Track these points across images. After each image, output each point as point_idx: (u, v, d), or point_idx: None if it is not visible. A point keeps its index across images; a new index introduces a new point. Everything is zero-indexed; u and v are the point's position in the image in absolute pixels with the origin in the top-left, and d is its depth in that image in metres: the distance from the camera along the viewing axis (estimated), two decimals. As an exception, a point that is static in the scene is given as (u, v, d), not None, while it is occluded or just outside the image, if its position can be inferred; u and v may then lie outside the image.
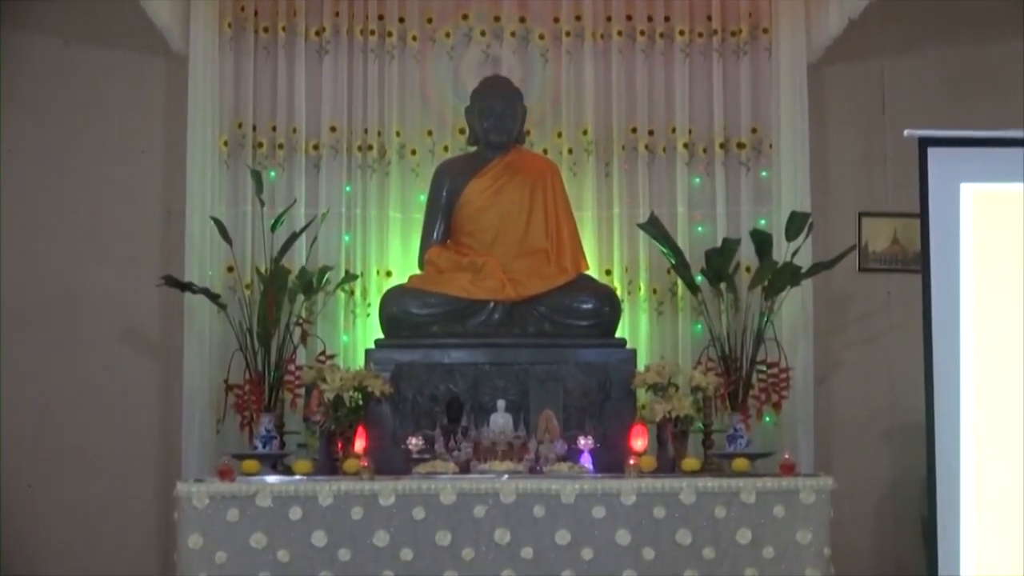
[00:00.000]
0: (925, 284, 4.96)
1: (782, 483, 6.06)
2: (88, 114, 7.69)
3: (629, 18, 7.78)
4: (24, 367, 7.47)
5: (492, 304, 6.99)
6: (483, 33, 7.83)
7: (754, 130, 7.73)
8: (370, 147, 7.65)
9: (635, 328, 7.55)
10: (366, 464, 6.05)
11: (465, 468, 6.25)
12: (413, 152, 7.71)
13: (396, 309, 6.99)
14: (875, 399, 7.71)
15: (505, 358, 6.82)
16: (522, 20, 7.83)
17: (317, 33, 7.68)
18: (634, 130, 7.72)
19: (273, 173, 7.58)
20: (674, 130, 7.71)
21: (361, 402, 6.61)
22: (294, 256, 7.32)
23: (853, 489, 6.87)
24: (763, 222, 7.56)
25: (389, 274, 7.59)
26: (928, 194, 4.97)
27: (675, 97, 7.74)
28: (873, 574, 7.58)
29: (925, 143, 5.00)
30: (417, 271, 7.33)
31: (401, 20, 7.76)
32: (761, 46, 7.77)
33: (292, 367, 7.06)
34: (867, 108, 7.89)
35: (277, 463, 6.77)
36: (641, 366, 6.95)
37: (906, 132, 5.04)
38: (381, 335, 7.05)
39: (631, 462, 6.11)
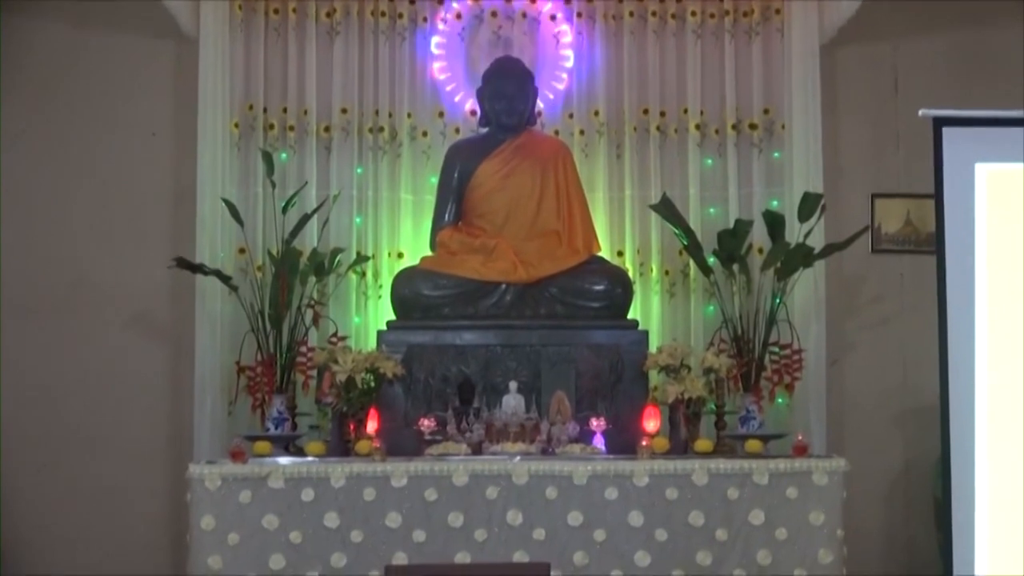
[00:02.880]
0: (940, 265, 4.93)
1: (795, 464, 6.07)
2: (98, 97, 7.68)
3: (641, -1, 7.78)
4: (35, 350, 7.48)
5: (504, 286, 6.99)
6: (494, 14, 7.80)
7: (766, 111, 7.71)
8: (381, 129, 7.64)
9: (647, 309, 7.54)
10: (378, 446, 6.06)
11: (477, 450, 6.26)
12: (424, 134, 7.71)
13: (408, 291, 6.99)
14: (887, 381, 7.70)
15: (517, 340, 6.82)
16: (533, 1, 7.80)
17: (328, 15, 7.67)
18: (646, 111, 7.70)
19: (284, 155, 7.57)
20: (686, 111, 7.69)
21: (373, 384, 6.59)
22: (305, 238, 7.31)
23: (865, 471, 6.86)
24: (775, 203, 7.54)
25: (401, 256, 7.58)
26: (943, 174, 4.94)
27: (687, 78, 7.72)
28: (884, 555, 7.59)
29: (940, 123, 4.97)
30: (429, 253, 7.32)
31: (411, 1, 7.74)
32: (773, 27, 7.74)
33: (304, 349, 7.05)
34: (879, 89, 7.87)
35: (289, 445, 6.79)
36: (653, 348, 6.95)
37: (921, 112, 5.01)
38: (393, 317, 7.05)
39: (643, 443, 6.11)
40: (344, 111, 7.61)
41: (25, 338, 7.48)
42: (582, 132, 7.71)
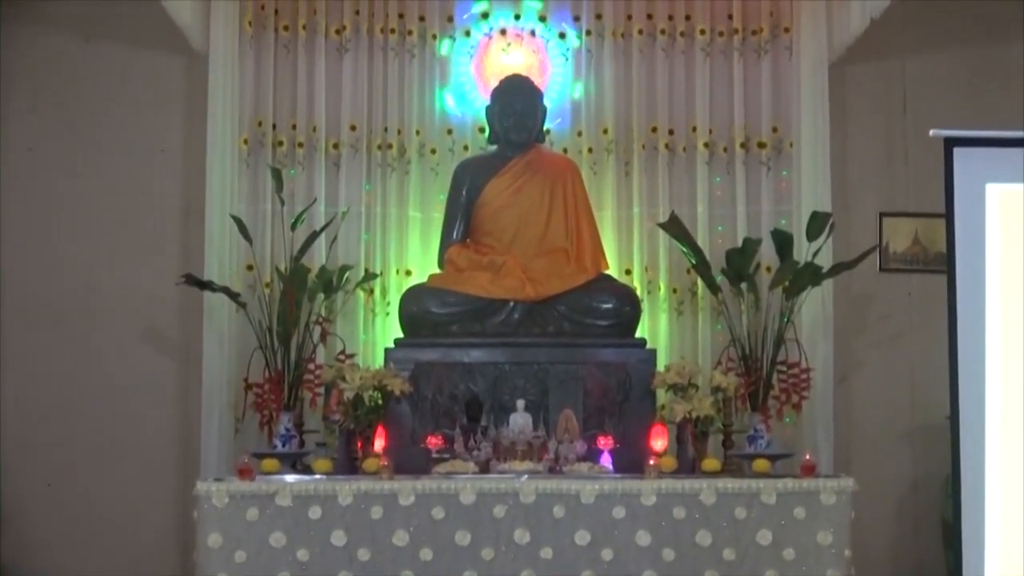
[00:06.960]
0: (951, 285, 4.92)
1: (803, 484, 6.04)
2: (108, 112, 7.71)
3: (650, 17, 7.77)
4: (43, 364, 7.50)
5: (512, 303, 6.99)
6: (503, 32, 7.81)
7: (775, 129, 7.71)
8: (390, 146, 7.65)
9: (655, 328, 7.54)
10: (386, 463, 6.04)
11: (485, 468, 6.23)
12: (433, 151, 7.71)
13: (416, 308, 6.98)
14: (895, 400, 7.69)
15: (525, 357, 6.81)
16: (542, 19, 7.81)
17: (337, 32, 7.68)
18: (654, 129, 7.71)
19: (293, 172, 7.58)
20: (695, 129, 7.70)
21: (381, 401, 6.59)
22: (314, 255, 7.33)
23: (873, 490, 6.82)
24: (784, 222, 7.54)
25: (409, 273, 7.59)
26: (953, 195, 4.94)
27: (695, 96, 7.73)
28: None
29: (951, 143, 4.97)
30: (437, 270, 7.32)
31: (421, 19, 7.75)
32: (782, 45, 7.75)
33: (312, 366, 7.05)
34: (888, 107, 7.87)
35: (296, 462, 6.77)
36: (661, 366, 6.95)
37: (932, 132, 5.00)
38: (401, 334, 7.05)
39: (651, 462, 6.09)
40: (353, 128, 7.62)
41: (34, 352, 7.49)
42: (591, 150, 7.71)
